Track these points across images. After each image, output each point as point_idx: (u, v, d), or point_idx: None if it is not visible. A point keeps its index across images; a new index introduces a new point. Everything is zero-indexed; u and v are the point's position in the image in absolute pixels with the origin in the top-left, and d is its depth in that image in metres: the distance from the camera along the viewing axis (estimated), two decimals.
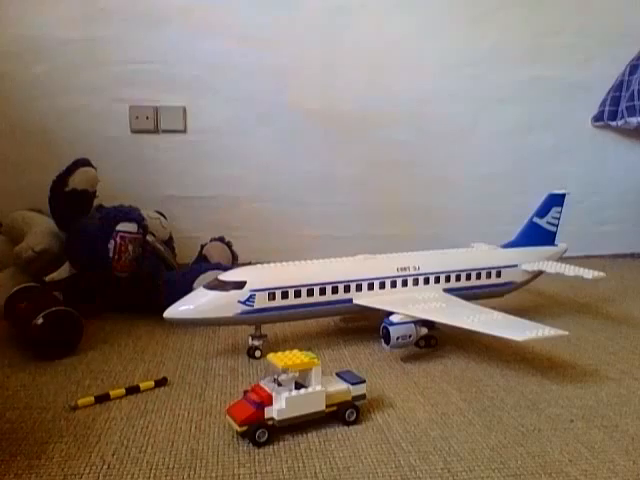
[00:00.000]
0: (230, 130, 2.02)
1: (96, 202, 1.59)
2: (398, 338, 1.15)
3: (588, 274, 1.38)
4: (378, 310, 1.22)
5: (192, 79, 1.98)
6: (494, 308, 1.23)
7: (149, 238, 1.51)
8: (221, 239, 1.71)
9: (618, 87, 2.10)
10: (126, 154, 1.99)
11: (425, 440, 0.88)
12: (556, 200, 1.48)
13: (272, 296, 1.17)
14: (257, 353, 1.21)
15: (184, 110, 2.00)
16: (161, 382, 1.07)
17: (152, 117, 1.98)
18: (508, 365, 1.17)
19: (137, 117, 1.98)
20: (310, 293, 1.20)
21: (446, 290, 1.32)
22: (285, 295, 1.18)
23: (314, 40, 2.02)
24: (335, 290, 1.23)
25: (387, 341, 1.16)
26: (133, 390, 1.04)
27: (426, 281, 1.31)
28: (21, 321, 1.24)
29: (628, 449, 0.86)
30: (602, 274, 1.39)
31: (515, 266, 1.42)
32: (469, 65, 2.10)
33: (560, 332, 1.09)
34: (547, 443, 0.88)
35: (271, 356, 0.91)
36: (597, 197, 2.23)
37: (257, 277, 1.18)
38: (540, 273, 1.46)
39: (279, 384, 0.89)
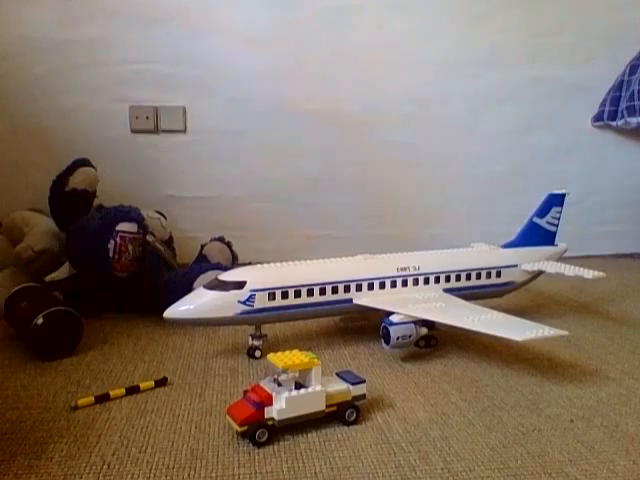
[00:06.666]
0: (230, 130, 2.02)
1: (96, 202, 1.59)
2: (398, 338, 1.15)
3: (588, 274, 1.38)
4: (378, 310, 1.22)
5: (192, 79, 1.98)
6: (494, 308, 1.23)
7: (149, 238, 1.51)
8: (221, 239, 1.71)
9: (618, 87, 2.10)
10: (126, 154, 1.99)
11: (425, 440, 0.88)
12: (556, 200, 1.48)
13: (272, 296, 1.17)
14: (257, 353, 1.21)
15: (184, 110, 2.00)
16: (161, 382, 1.07)
17: (152, 117, 1.98)
18: (508, 365, 1.17)
19: (137, 117, 1.98)
20: (310, 293, 1.20)
21: (446, 290, 1.32)
22: (285, 295, 1.18)
23: (314, 40, 2.02)
24: (335, 290, 1.23)
25: (387, 341, 1.16)
26: (133, 390, 1.04)
27: (426, 281, 1.31)
28: (21, 321, 1.24)
29: (628, 449, 0.86)
30: (602, 274, 1.39)
31: (515, 266, 1.42)
32: (469, 65, 2.10)
33: (560, 332, 1.09)
34: (547, 443, 0.87)
35: (271, 356, 0.91)
36: (597, 197, 2.23)
37: (257, 277, 1.18)
38: (540, 273, 1.46)
39: (279, 384, 0.89)
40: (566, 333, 1.09)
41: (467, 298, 1.30)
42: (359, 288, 1.25)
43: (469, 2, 2.08)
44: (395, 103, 2.08)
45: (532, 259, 1.44)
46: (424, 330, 1.20)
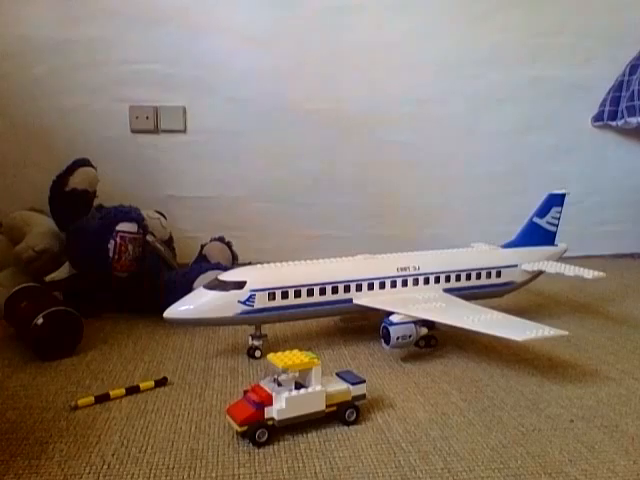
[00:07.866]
0: (230, 130, 2.02)
1: (96, 202, 1.59)
2: (398, 338, 1.15)
3: (588, 274, 1.38)
4: (378, 310, 1.22)
5: (192, 79, 1.98)
6: (494, 308, 1.23)
7: (149, 238, 1.51)
8: (221, 239, 1.71)
9: (618, 87, 2.10)
10: (126, 154, 1.99)
11: (425, 440, 0.88)
12: (556, 200, 1.48)
13: (272, 296, 1.17)
14: (257, 353, 1.21)
15: (184, 110, 2.00)
16: (161, 382, 1.07)
17: (152, 117, 1.98)
18: (508, 365, 1.17)
19: (137, 117, 1.98)
20: (310, 293, 1.20)
21: (446, 290, 1.32)
22: (285, 295, 1.18)
23: (314, 40, 2.02)
24: (335, 290, 1.23)
25: (387, 341, 1.16)
26: (133, 390, 1.04)
27: (426, 281, 1.31)
28: (21, 321, 1.24)
29: (628, 449, 0.86)
30: (602, 274, 1.39)
31: (515, 266, 1.42)
32: (469, 65, 2.10)
33: (560, 332, 1.09)
34: (547, 443, 0.87)
35: (271, 356, 0.91)
36: (597, 197, 2.23)
37: (257, 277, 1.18)
38: (540, 273, 1.46)
39: (279, 384, 0.89)
40: (566, 333, 1.10)
41: (467, 298, 1.30)
42: (359, 288, 1.25)
43: (469, 2, 2.08)
44: (395, 103, 2.08)
45: (532, 259, 1.44)
46: (424, 330, 1.20)
